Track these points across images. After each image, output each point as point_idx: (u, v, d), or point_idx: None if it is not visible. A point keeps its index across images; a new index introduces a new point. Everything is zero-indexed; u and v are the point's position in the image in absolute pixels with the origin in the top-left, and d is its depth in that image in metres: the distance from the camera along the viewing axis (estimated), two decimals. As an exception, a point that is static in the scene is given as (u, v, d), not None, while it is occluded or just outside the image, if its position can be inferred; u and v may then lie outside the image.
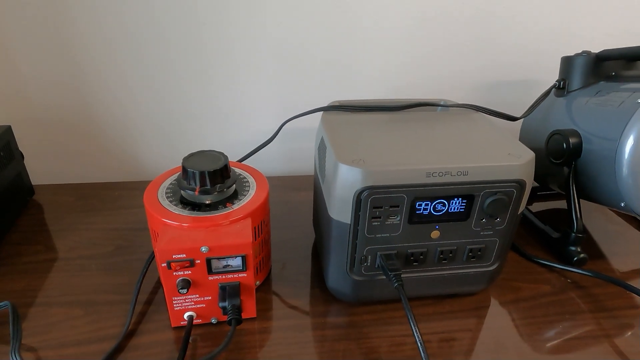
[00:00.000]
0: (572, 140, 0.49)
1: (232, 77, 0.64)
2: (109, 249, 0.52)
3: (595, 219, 0.62)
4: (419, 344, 0.34)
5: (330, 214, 0.39)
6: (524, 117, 0.52)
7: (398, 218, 0.38)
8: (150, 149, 0.69)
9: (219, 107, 0.67)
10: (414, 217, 0.38)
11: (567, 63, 0.54)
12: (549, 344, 0.41)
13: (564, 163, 0.50)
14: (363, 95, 0.68)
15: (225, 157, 0.42)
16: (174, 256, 0.36)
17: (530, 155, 0.38)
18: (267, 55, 0.63)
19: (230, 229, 0.38)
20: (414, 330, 0.34)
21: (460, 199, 0.38)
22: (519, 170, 0.37)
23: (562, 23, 0.67)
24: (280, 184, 0.67)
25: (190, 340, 0.40)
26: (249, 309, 0.41)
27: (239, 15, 0.60)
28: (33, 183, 0.61)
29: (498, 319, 0.44)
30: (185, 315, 0.40)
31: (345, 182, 0.36)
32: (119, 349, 0.39)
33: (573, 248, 0.50)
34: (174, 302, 0.39)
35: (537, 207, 0.65)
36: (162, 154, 0.69)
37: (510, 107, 0.68)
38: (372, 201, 0.36)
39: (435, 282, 0.43)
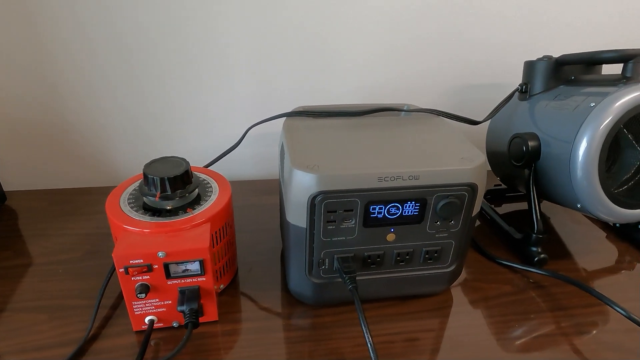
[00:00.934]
0: (531, 143, 0.50)
1: (203, 83, 0.65)
2: (79, 254, 0.52)
3: (562, 219, 0.63)
4: (369, 345, 0.35)
5: (288, 218, 0.40)
6: (485, 120, 0.53)
7: (353, 222, 0.39)
8: (124, 154, 0.70)
9: (191, 114, 0.67)
10: (368, 221, 0.39)
11: (529, 67, 0.55)
12: (509, 343, 0.42)
13: (524, 165, 0.51)
14: (331, 96, 0.69)
15: (187, 163, 0.43)
16: (131, 261, 0.37)
17: (481, 159, 0.39)
18: (238, 60, 0.64)
19: (188, 234, 0.39)
20: (365, 332, 0.35)
21: (413, 202, 0.39)
22: (469, 174, 0.38)
23: (534, 21, 0.68)
24: (250, 188, 0.68)
25: (152, 344, 0.41)
26: (210, 313, 0.42)
27: (210, 24, 0.61)
28: (5, 189, 0.62)
29: (460, 319, 0.45)
30: (146, 319, 0.40)
31: (300, 187, 0.37)
32: (79, 352, 0.39)
33: (534, 249, 0.52)
34: (134, 306, 0.40)
35: (506, 208, 0.66)
36: (135, 160, 0.70)
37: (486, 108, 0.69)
38: (326, 205, 0.37)
39: (394, 284, 0.44)
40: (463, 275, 0.51)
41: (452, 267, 0.44)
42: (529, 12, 0.67)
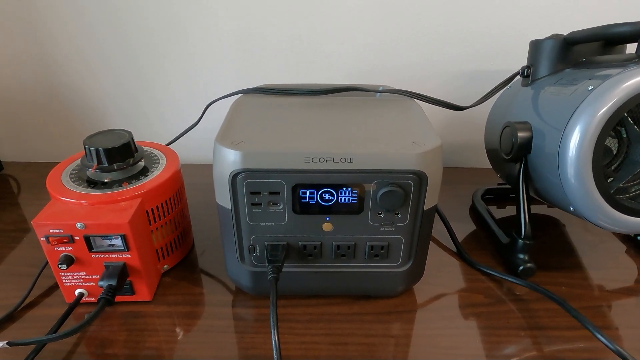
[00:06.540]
0: (520, 133, 0.43)
1: (194, 61, 0.64)
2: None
3: (578, 227, 0.54)
4: (274, 343, 0.31)
5: (216, 198, 0.37)
6: (473, 106, 0.46)
7: (281, 206, 0.35)
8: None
9: (185, 96, 0.67)
10: (299, 207, 0.35)
11: (535, 48, 0.48)
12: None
13: (513, 159, 0.44)
14: (322, 79, 0.65)
15: (129, 135, 0.42)
16: (51, 231, 0.36)
17: (433, 145, 0.34)
18: (228, 42, 0.62)
19: (112, 208, 0.37)
20: (272, 332, 0.32)
21: (349, 189, 0.34)
22: (415, 160, 0.33)
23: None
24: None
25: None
26: (142, 292, 0.40)
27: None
28: (3, 160, 0.65)
29: (418, 326, 0.40)
30: (76, 292, 0.40)
31: (221, 164, 0.34)
32: (7, 318, 0.39)
33: (521, 256, 0.45)
34: (62, 278, 0.39)
35: (512, 210, 0.58)
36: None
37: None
38: (248, 185, 0.34)
39: (339, 280, 0.40)
40: (432, 278, 0.45)
41: (406, 267, 0.39)
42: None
